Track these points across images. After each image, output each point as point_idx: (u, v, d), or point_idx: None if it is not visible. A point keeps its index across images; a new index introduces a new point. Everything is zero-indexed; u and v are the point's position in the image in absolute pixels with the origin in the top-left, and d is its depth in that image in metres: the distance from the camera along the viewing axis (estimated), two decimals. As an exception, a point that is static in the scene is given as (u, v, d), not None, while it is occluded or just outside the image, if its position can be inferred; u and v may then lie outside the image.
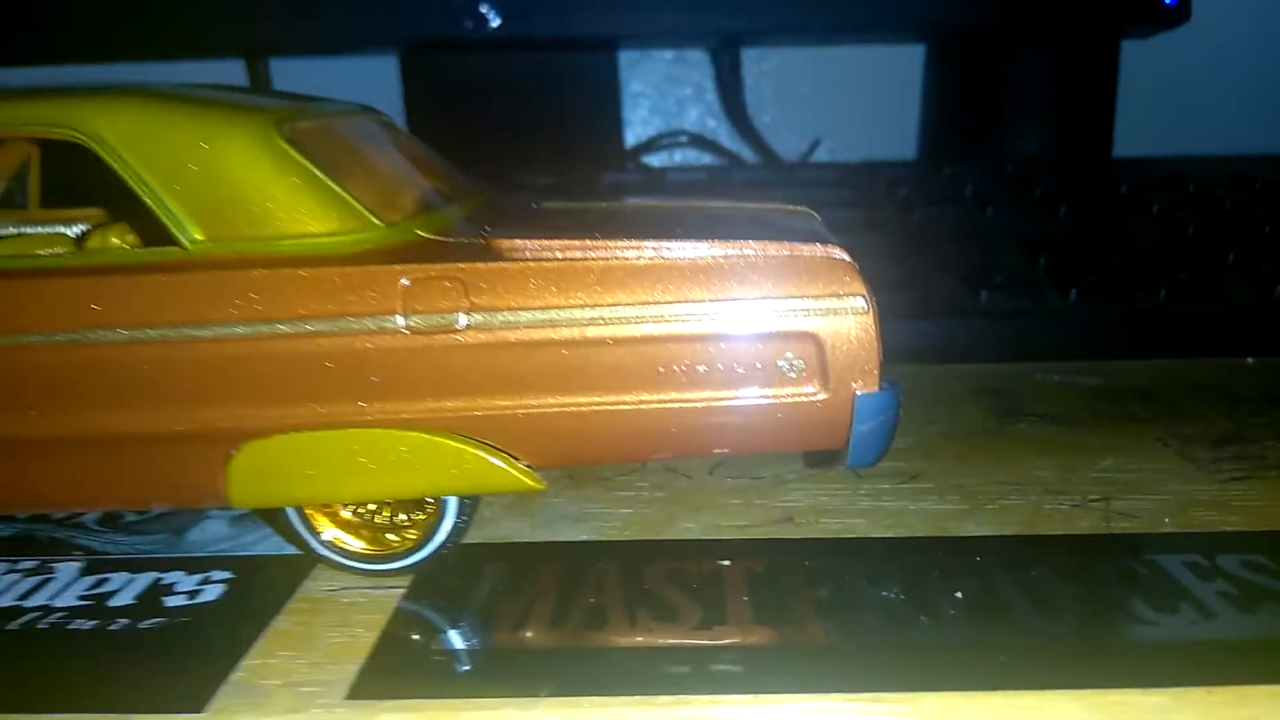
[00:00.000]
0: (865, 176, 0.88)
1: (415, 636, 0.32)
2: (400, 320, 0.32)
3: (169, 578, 0.37)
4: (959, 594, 0.33)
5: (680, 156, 1.12)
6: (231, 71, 1.07)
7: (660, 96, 1.14)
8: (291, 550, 0.39)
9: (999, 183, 0.84)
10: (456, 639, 0.32)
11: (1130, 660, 0.30)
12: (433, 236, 0.35)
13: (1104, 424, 0.50)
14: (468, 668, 0.30)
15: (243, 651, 0.32)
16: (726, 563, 0.36)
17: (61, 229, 0.44)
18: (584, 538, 0.39)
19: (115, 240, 0.35)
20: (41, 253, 0.35)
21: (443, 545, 0.35)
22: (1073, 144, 1.00)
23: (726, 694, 0.28)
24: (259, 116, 0.35)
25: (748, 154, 1.09)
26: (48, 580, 0.37)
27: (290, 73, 1.07)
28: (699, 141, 1.13)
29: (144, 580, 0.37)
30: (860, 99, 1.09)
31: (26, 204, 0.49)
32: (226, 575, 0.37)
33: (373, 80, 1.07)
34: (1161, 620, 0.32)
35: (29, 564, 0.39)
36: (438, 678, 0.30)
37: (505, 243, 0.33)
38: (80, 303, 0.32)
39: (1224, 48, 1.06)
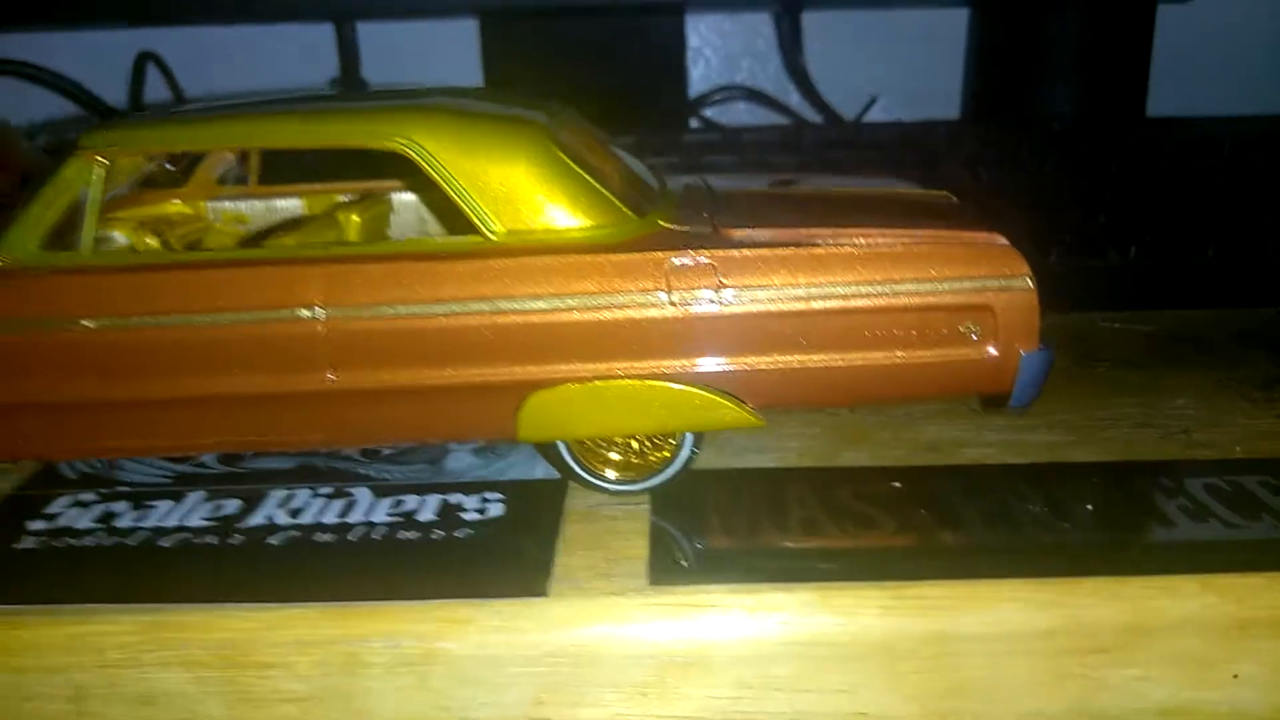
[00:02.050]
0: (925, 136, 0.96)
1: (676, 538, 0.42)
2: (664, 296, 0.41)
3: (452, 499, 0.46)
4: (1089, 506, 0.43)
5: (741, 110, 1.19)
6: (319, 35, 1.14)
7: (719, 54, 1.21)
8: (539, 475, 0.48)
9: (1050, 142, 0.92)
10: (709, 540, 0.41)
11: (1232, 553, 0.40)
12: (674, 227, 0.43)
13: (1173, 367, 0.59)
14: (728, 561, 0.40)
15: (549, 552, 0.41)
16: (898, 484, 0.46)
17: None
18: (772, 464, 0.48)
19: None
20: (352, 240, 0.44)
21: (678, 472, 0.44)
22: (1108, 104, 1.08)
23: (937, 580, 0.38)
24: (537, 129, 0.43)
25: (801, 108, 1.17)
26: (352, 502, 0.46)
27: (374, 36, 1.14)
28: (755, 95, 1.20)
29: (433, 501, 0.46)
30: (904, 60, 1.17)
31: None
32: (499, 496, 0.46)
33: (453, 43, 1.14)
34: (1249, 525, 0.42)
35: (326, 490, 0.48)
36: (709, 569, 0.39)
37: (738, 232, 0.42)
38: (413, 281, 0.41)
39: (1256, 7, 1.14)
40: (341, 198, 0.57)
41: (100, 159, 0.42)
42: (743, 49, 1.21)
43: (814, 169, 0.79)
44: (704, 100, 1.18)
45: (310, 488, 0.48)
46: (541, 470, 0.48)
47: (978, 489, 0.45)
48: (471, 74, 1.13)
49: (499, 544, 0.42)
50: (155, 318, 0.41)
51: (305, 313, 0.41)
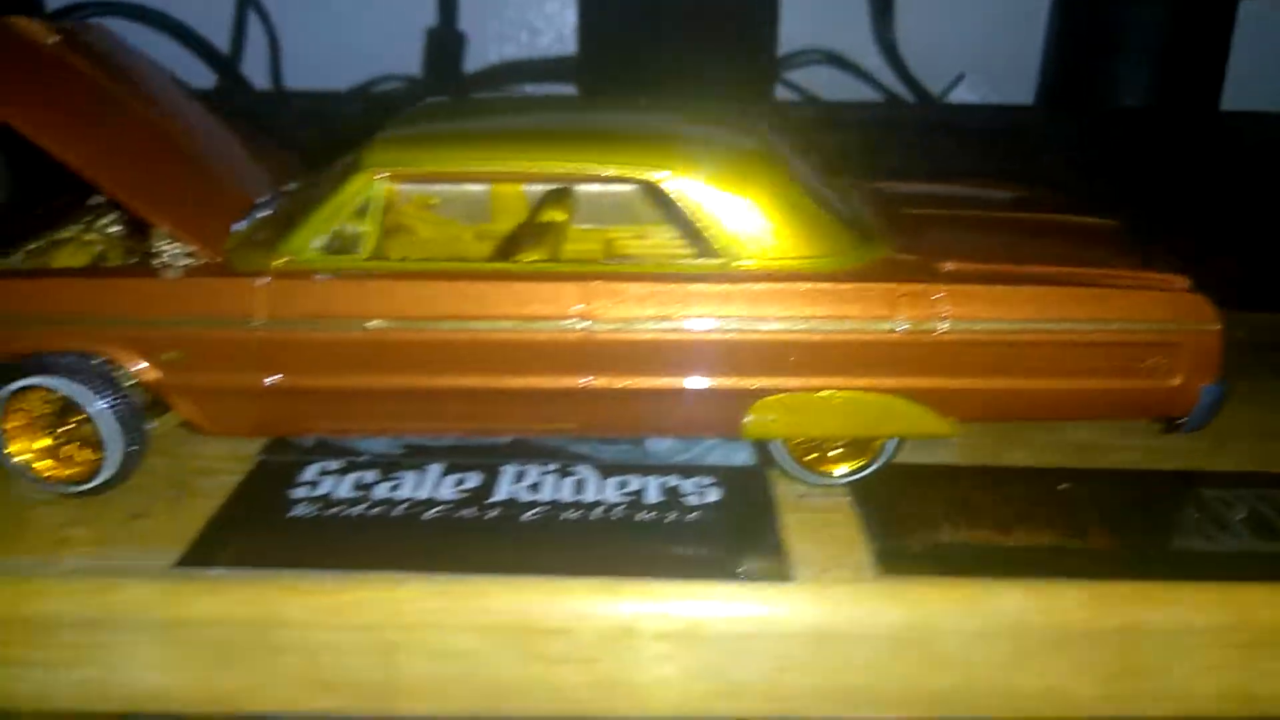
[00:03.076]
0: (1014, 121, 1.00)
1: (891, 529, 0.48)
2: (888, 325, 0.46)
3: (670, 481, 0.52)
4: (1239, 518, 0.49)
5: (824, 75, 1.22)
6: None
7: (807, 17, 1.23)
8: (739, 461, 0.54)
9: (1141, 132, 0.97)
10: (922, 533, 0.48)
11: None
12: (898, 256, 0.49)
13: (1277, 374, 0.65)
14: (948, 552, 0.46)
15: (777, 536, 0.47)
16: (1065, 485, 0.52)
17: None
18: (943, 461, 0.54)
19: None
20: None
21: (878, 469, 0.50)
22: (1182, 95, 1.12)
23: (1116, 580, 0.45)
24: (776, 161, 0.48)
25: (886, 77, 1.20)
26: (581, 481, 0.52)
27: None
28: (835, 60, 1.23)
29: (654, 483, 0.52)
30: (987, 39, 1.20)
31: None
32: (711, 480, 0.52)
33: (551, 8, 1.17)
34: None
35: (553, 466, 0.54)
36: (932, 559, 0.46)
37: (954, 266, 0.48)
38: (665, 300, 0.46)
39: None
40: (524, 187, 0.61)
41: (383, 177, 0.47)
42: (831, 12, 1.23)
43: (923, 168, 0.83)
44: (789, 61, 1.21)
45: (539, 464, 0.54)
46: (740, 455, 0.54)
47: (1134, 492, 0.51)
48: (568, 18, 1.16)
49: (730, 527, 0.48)
50: (432, 322, 0.46)
51: (570, 323, 0.46)
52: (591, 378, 0.47)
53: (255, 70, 1.18)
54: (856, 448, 0.51)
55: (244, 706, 0.45)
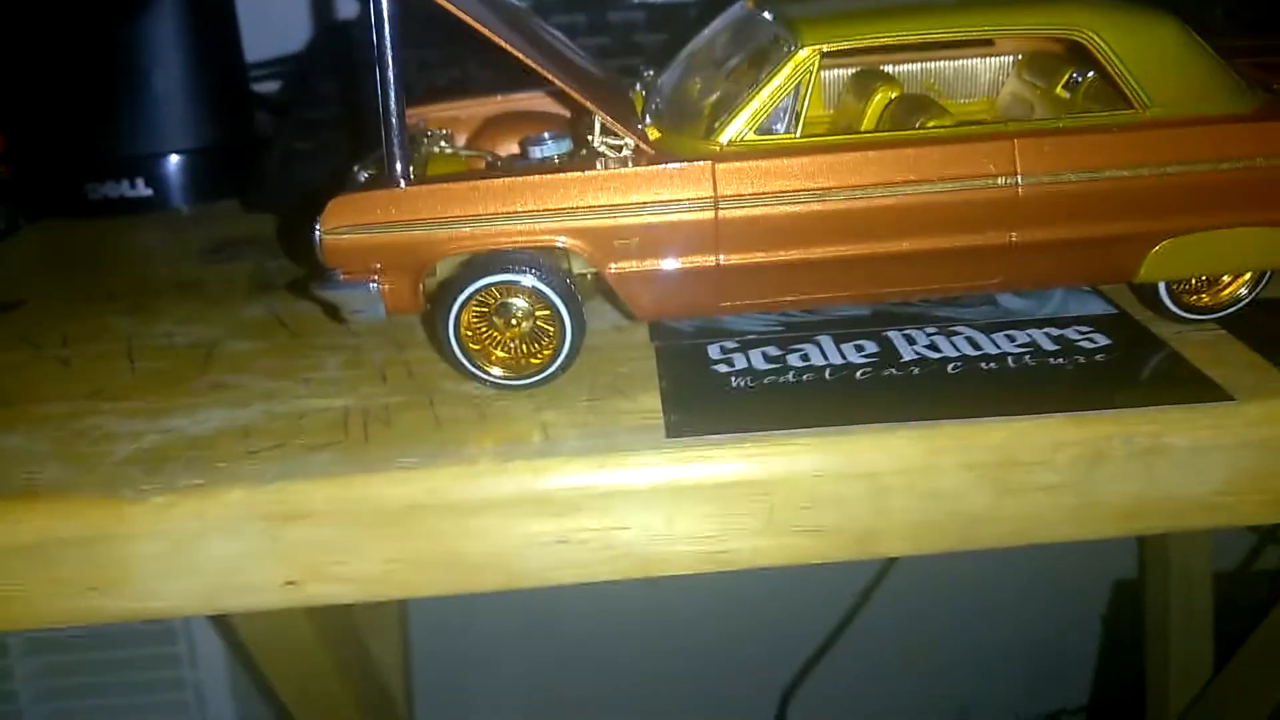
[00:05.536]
0: None
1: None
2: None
3: (1053, 331, 0.55)
4: None
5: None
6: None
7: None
8: (1098, 310, 0.57)
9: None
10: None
11: None
12: (1273, 98, 0.52)
13: None
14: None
15: (1188, 366, 0.51)
16: None
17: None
18: None
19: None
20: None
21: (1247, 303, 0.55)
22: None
23: None
24: (1170, 17, 0.51)
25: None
26: (970, 338, 0.55)
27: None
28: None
29: (1039, 334, 0.55)
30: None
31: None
32: (1090, 328, 0.56)
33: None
34: None
35: (932, 329, 0.57)
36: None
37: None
38: (1088, 151, 0.49)
39: None
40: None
41: (819, 51, 0.49)
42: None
43: None
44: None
45: (916, 328, 0.57)
46: (1095, 305, 0.58)
47: None
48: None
49: (1139, 363, 0.52)
50: (875, 189, 0.49)
51: (1001, 180, 0.49)
52: (1015, 234, 0.50)
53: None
54: (1218, 287, 0.55)
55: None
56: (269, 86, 1.07)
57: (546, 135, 0.55)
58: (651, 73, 0.61)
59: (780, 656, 1.51)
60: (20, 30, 0.85)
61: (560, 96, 0.61)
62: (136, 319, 0.65)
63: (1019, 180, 0.49)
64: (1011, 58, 0.64)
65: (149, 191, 0.85)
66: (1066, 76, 0.58)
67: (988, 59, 0.65)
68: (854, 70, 0.62)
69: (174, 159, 0.85)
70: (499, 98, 0.64)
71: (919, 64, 0.64)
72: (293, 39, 1.04)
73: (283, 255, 0.74)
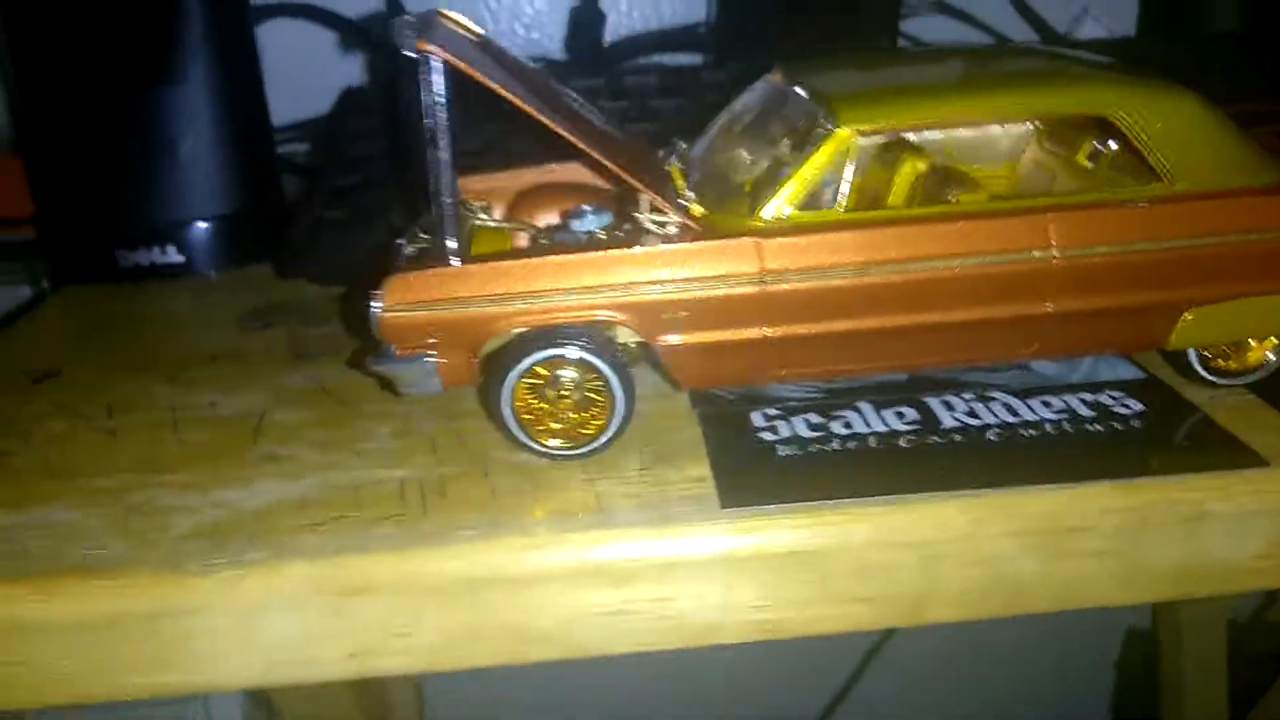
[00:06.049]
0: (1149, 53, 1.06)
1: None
2: (1298, 235, 0.52)
3: (1086, 396, 0.57)
4: None
5: (937, 25, 1.27)
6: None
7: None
8: (1128, 375, 0.59)
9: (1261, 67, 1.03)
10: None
11: None
12: (1293, 170, 0.54)
13: None
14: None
15: (1221, 430, 0.52)
16: None
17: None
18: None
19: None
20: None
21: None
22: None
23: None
24: (1191, 94, 0.53)
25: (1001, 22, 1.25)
26: (1006, 404, 0.56)
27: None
28: (948, 10, 1.28)
29: (1075, 399, 0.56)
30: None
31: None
32: (1121, 393, 0.57)
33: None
34: None
35: (969, 395, 0.58)
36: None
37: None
38: (1120, 224, 0.51)
39: None
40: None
41: (857, 134, 0.51)
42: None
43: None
44: (906, 12, 1.25)
45: (953, 394, 0.58)
46: (1125, 370, 0.59)
47: None
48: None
49: (1174, 428, 0.53)
50: (918, 262, 0.51)
51: (1037, 254, 0.51)
52: (1054, 303, 0.52)
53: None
54: (1246, 351, 0.56)
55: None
56: (296, 148, 1.08)
57: (586, 208, 0.56)
58: (685, 145, 0.63)
59: (788, 710, 1.51)
60: (50, 98, 0.86)
61: (591, 162, 0.63)
62: (177, 387, 0.66)
63: (1054, 253, 0.51)
64: (1030, 125, 0.66)
65: (180, 258, 0.86)
66: (1089, 146, 0.60)
67: (1007, 126, 0.67)
68: (880, 139, 0.64)
69: (205, 225, 0.87)
70: (534, 168, 0.65)
71: (941, 131, 0.66)
72: (319, 101, 1.06)
73: (318, 322, 0.75)
